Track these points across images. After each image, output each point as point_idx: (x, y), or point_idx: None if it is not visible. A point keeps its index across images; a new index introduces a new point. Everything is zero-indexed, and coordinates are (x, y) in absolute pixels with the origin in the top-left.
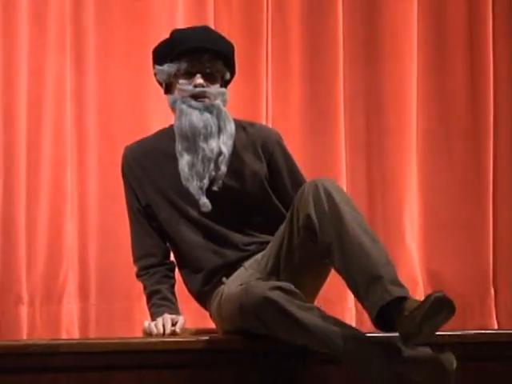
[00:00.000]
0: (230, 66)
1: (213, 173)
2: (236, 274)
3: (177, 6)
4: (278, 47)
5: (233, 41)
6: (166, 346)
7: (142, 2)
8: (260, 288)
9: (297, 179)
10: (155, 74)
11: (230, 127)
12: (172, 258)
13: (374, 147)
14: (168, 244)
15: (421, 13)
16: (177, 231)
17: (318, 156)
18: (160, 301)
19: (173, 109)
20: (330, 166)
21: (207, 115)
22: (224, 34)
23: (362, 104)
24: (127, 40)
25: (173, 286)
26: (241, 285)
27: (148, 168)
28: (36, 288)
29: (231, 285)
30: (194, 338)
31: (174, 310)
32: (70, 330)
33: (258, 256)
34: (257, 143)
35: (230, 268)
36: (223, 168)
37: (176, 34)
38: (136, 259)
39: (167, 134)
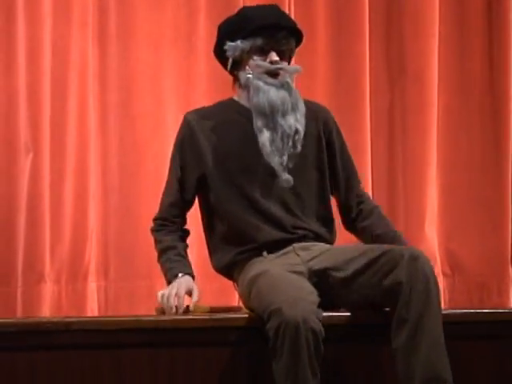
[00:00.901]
0: (297, 43)
1: (291, 150)
2: (282, 252)
3: None
4: (302, 22)
5: None
6: (178, 324)
7: None
8: (299, 312)
9: (346, 160)
10: (224, 51)
11: (302, 106)
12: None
13: (396, 126)
14: (205, 212)
15: None
16: (226, 202)
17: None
18: (175, 256)
19: (245, 85)
20: (354, 144)
21: (284, 92)
22: None
23: (385, 83)
24: (148, 20)
25: (186, 248)
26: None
27: (210, 137)
28: (62, 266)
29: (274, 264)
30: (206, 316)
31: (188, 268)
32: (93, 308)
33: (312, 246)
34: (319, 121)
35: (273, 245)
36: (299, 147)
37: (247, 12)
38: (157, 217)
39: (229, 106)
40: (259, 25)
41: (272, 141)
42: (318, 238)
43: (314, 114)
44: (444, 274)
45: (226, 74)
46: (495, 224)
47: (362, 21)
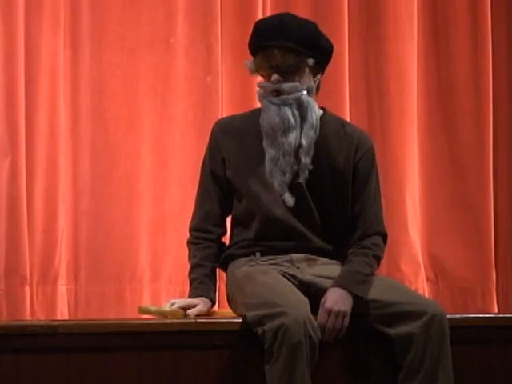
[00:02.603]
0: (310, 52)
1: (295, 166)
2: (280, 260)
3: None
4: None
5: (231, 19)
6: (164, 328)
7: None
8: (301, 318)
9: (367, 196)
10: None
11: (312, 117)
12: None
13: (375, 128)
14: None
15: None
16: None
17: None
18: (203, 277)
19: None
20: None
21: (285, 109)
22: (223, 16)
23: (364, 85)
24: (122, 22)
25: (216, 267)
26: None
27: (238, 147)
28: (34, 269)
29: (267, 268)
30: (190, 320)
31: (211, 293)
32: (62, 311)
33: (314, 260)
34: (352, 144)
35: (270, 250)
36: (304, 159)
37: (255, 27)
38: (193, 227)
39: (256, 116)
40: (256, 45)
41: (276, 160)
42: (323, 253)
43: (352, 139)
44: (428, 279)
45: (205, 75)
46: (478, 228)
47: (341, 26)
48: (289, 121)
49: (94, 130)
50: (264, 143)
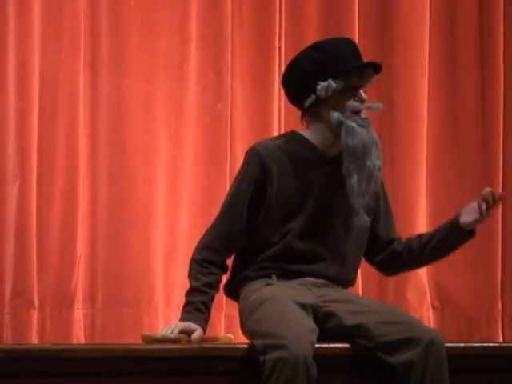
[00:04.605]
0: None
1: (373, 188)
2: (293, 284)
3: (189, 16)
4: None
5: (245, 49)
6: (168, 353)
7: (155, 11)
8: (300, 353)
9: (391, 224)
10: (308, 88)
11: (378, 141)
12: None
13: (384, 157)
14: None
15: (433, 24)
16: (266, 228)
17: None
18: (200, 304)
19: (337, 125)
20: None
21: (372, 132)
22: (236, 45)
23: (374, 114)
24: (140, 48)
25: (215, 295)
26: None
27: (280, 170)
28: (47, 293)
29: (284, 292)
30: (195, 346)
31: (204, 322)
32: (79, 335)
33: (328, 287)
34: None
35: (287, 273)
36: (378, 183)
37: (332, 49)
38: (204, 245)
39: (295, 140)
40: (355, 65)
41: (359, 183)
42: (339, 279)
43: None
44: (433, 307)
45: (215, 102)
46: (485, 258)
47: None
48: (373, 144)
49: (113, 154)
50: (349, 166)
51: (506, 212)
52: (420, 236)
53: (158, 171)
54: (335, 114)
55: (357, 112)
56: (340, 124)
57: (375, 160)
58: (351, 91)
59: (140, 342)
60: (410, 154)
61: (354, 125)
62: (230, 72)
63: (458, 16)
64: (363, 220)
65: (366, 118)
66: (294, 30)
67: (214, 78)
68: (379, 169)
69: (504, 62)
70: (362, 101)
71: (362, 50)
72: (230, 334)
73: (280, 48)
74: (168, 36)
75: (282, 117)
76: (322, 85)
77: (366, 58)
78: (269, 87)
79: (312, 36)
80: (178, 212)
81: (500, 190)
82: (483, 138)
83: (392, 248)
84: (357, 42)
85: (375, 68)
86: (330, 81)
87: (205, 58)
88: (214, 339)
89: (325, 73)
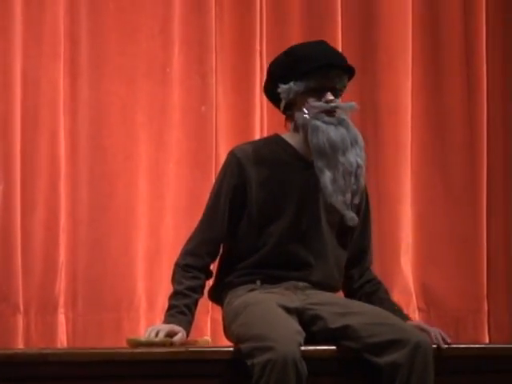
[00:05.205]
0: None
1: (354, 186)
2: (278, 288)
3: (171, 19)
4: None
5: (226, 52)
6: (154, 357)
7: (135, 15)
8: (289, 354)
9: (369, 235)
10: (277, 92)
11: (361, 140)
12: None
13: (368, 160)
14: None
15: (416, 27)
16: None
17: None
18: (184, 307)
19: (303, 126)
20: None
21: (342, 129)
22: (217, 47)
23: (358, 117)
24: (121, 52)
25: (199, 299)
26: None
27: (260, 174)
28: (32, 298)
29: (268, 296)
30: (181, 349)
31: (188, 325)
32: (62, 340)
33: (310, 287)
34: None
35: (271, 279)
36: (362, 180)
37: (298, 52)
38: (188, 251)
39: (276, 144)
40: (312, 66)
41: (334, 180)
42: (325, 284)
43: None
44: (419, 309)
45: (199, 105)
46: (470, 259)
47: None
48: (347, 141)
49: (93, 159)
50: (318, 164)
51: (491, 214)
52: (374, 293)
53: (139, 175)
54: (300, 115)
55: (325, 111)
56: (305, 124)
57: (354, 157)
58: (314, 92)
59: (124, 345)
60: (394, 156)
61: (318, 123)
62: (214, 75)
63: (440, 19)
64: (350, 216)
65: (335, 117)
66: (275, 34)
67: (198, 80)
68: (359, 166)
69: (487, 64)
70: (327, 101)
71: (345, 54)
72: (207, 337)
73: (261, 51)
74: (150, 39)
75: (264, 120)
76: (282, 88)
77: (349, 61)
78: (250, 90)
79: (294, 40)
80: (162, 215)
81: (485, 193)
82: (467, 139)
83: (350, 274)
84: (339, 45)
85: (348, 69)
86: (291, 83)
87: (188, 61)
88: (193, 342)
89: (288, 76)
